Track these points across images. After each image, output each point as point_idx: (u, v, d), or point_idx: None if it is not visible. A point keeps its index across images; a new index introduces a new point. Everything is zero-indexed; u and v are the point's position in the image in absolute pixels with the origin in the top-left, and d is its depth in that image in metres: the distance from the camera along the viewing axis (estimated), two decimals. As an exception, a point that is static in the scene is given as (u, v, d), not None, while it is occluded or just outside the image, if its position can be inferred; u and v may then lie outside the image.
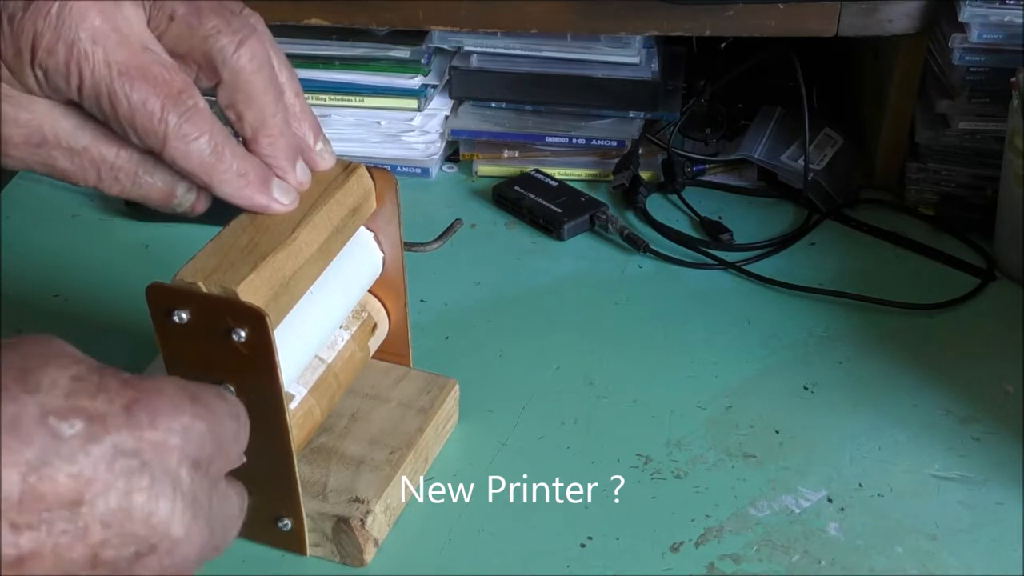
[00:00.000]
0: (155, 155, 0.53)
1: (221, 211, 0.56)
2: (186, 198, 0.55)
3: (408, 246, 0.67)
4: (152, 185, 0.54)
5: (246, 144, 0.55)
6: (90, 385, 0.39)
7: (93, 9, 0.49)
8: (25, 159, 0.52)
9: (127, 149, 0.53)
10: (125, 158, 0.53)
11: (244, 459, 0.45)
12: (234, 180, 0.54)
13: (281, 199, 0.56)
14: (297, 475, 0.57)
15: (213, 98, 0.55)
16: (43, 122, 0.51)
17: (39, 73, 0.49)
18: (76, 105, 0.51)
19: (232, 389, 0.54)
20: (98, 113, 0.51)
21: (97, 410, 0.38)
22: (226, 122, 0.55)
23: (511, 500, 0.64)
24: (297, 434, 0.58)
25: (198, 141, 0.52)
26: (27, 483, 0.36)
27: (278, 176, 0.56)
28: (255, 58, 0.54)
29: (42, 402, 0.37)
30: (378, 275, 0.65)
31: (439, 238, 0.80)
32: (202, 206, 0.56)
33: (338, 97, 0.93)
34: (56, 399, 0.37)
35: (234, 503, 0.44)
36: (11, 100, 0.50)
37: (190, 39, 0.53)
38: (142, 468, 0.38)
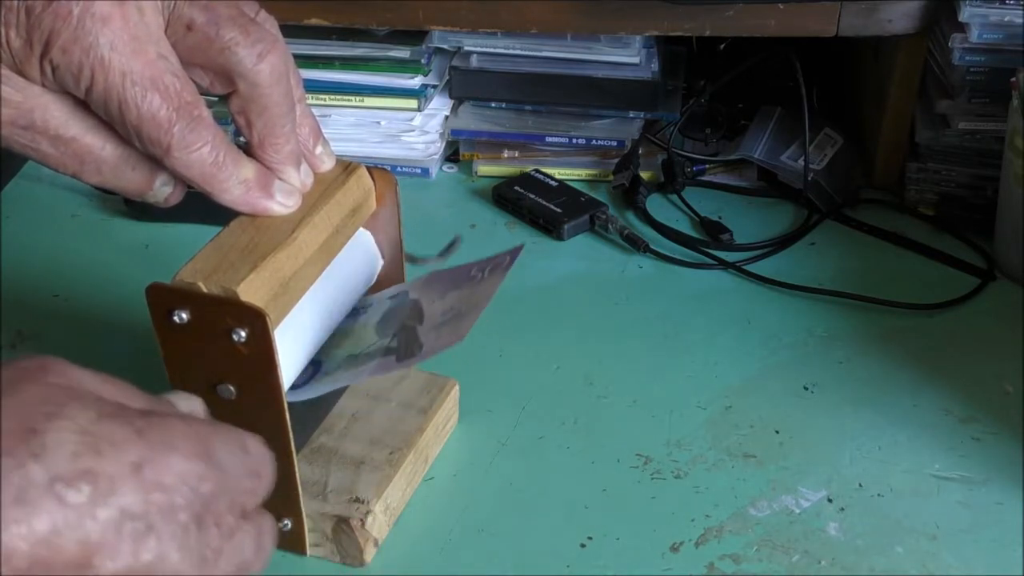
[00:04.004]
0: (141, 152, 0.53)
1: (221, 211, 0.56)
2: (161, 191, 0.55)
3: (410, 259, 0.66)
4: (132, 178, 0.54)
5: (250, 148, 0.55)
6: (99, 440, 0.37)
7: (115, 15, 0.49)
8: (7, 138, 0.51)
9: (114, 143, 0.53)
10: (111, 151, 0.53)
11: (260, 504, 0.44)
12: (235, 188, 0.54)
13: (284, 201, 0.56)
14: (297, 475, 0.57)
15: (214, 98, 0.55)
16: (34, 107, 0.51)
17: (47, 68, 0.49)
18: (70, 95, 0.51)
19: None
20: (103, 114, 0.51)
21: (105, 471, 0.37)
22: (222, 121, 0.55)
23: (511, 500, 0.64)
24: None
25: (200, 151, 0.52)
26: (35, 553, 0.35)
27: (280, 179, 0.56)
28: (274, 72, 0.53)
29: (48, 466, 0.36)
30: (378, 275, 0.65)
31: (440, 255, 0.78)
32: (176, 198, 0.56)
33: (338, 97, 0.93)
34: (63, 462, 0.36)
35: (249, 545, 0.42)
36: (4, 80, 0.49)
37: (207, 50, 0.52)
38: (148, 530, 0.38)
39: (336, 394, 0.64)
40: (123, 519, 0.37)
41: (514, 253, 0.59)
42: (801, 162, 0.89)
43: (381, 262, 0.65)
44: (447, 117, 0.95)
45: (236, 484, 0.41)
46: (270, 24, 0.55)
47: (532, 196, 0.89)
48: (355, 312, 0.63)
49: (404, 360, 0.57)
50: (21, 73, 0.49)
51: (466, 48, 0.92)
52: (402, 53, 0.91)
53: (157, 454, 0.38)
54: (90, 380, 0.40)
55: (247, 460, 0.42)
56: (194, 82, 0.52)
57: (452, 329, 0.57)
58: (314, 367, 0.60)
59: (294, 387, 0.59)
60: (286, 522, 0.59)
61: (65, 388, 0.39)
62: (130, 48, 0.49)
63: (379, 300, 0.62)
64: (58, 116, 0.51)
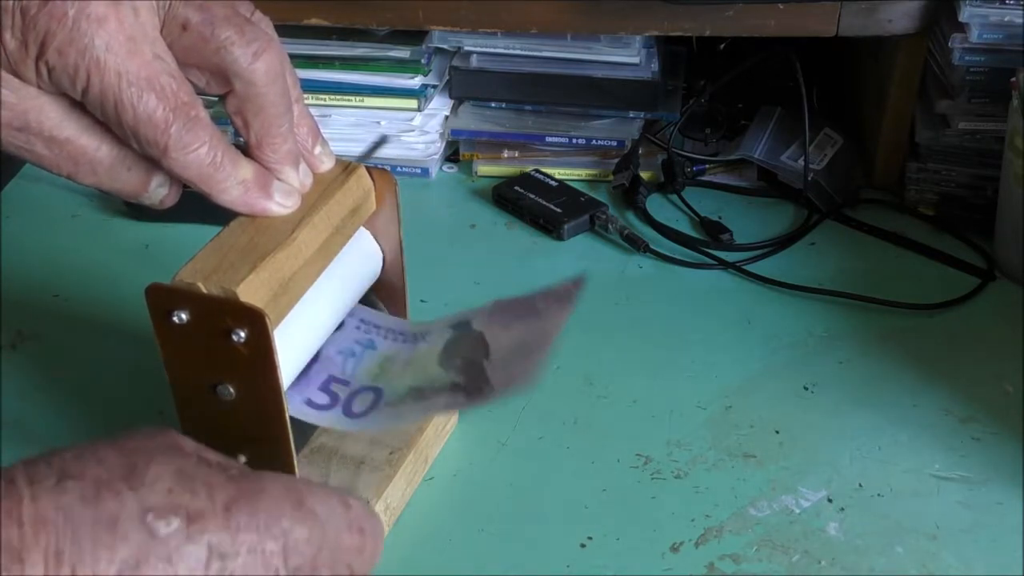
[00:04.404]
0: (136, 152, 0.53)
1: (221, 211, 0.56)
2: (157, 192, 0.55)
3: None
4: (127, 179, 0.54)
5: (248, 148, 0.55)
6: (193, 481, 0.38)
7: (111, 16, 0.49)
8: (1, 139, 0.51)
9: (109, 144, 0.52)
10: (106, 152, 0.53)
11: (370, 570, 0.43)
12: (233, 188, 0.54)
13: (283, 201, 0.56)
14: (297, 475, 0.57)
15: (213, 97, 0.55)
16: (29, 108, 0.50)
17: (43, 69, 0.49)
18: (66, 96, 0.51)
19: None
20: (100, 115, 0.51)
21: (196, 508, 0.37)
22: (220, 122, 0.55)
23: (511, 500, 0.64)
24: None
25: (197, 152, 0.52)
26: None
27: (279, 179, 0.56)
28: (270, 71, 0.53)
29: (143, 498, 0.37)
30: (378, 275, 0.65)
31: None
32: (171, 200, 0.56)
33: (338, 97, 0.93)
34: (157, 496, 0.37)
35: None
36: (1, 82, 0.49)
37: (202, 50, 0.52)
38: (236, 570, 0.38)
39: None
40: (211, 557, 0.37)
41: (578, 282, 0.59)
42: (801, 162, 0.89)
43: (382, 261, 0.65)
44: (447, 117, 0.95)
45: (336, 538, 0.41)
46: (265, 24, 0.55)
47: (532, 196, 0.89)
48: (413, 338, 0.62)
49: (475, 399, 0.56)
50: (16, 75, 0.49)
51: (466, 48, 0.92)
52: (402, 53, 0.91)
53: (246, 494, 0.39)
54: (195, 445, 0.41)
55: (347, 513, 0.42)
56: (191, 82, 0.52)
57: (523, 368, 0.56)
58: (375, 394, 0.59)
59: (355, 416, 0.58)
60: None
61: (170, 444, 0.40)
62: (126, 49, 0.49)
63: (439, 328, 0.61)
64: (53, 117, 0.51)
